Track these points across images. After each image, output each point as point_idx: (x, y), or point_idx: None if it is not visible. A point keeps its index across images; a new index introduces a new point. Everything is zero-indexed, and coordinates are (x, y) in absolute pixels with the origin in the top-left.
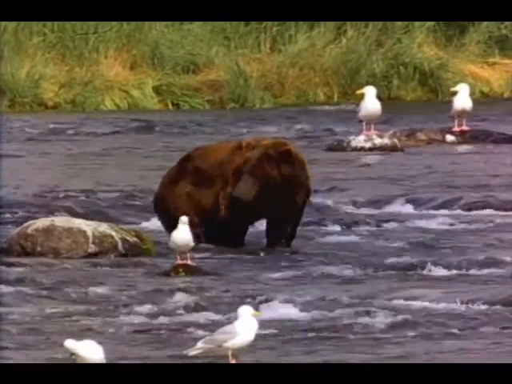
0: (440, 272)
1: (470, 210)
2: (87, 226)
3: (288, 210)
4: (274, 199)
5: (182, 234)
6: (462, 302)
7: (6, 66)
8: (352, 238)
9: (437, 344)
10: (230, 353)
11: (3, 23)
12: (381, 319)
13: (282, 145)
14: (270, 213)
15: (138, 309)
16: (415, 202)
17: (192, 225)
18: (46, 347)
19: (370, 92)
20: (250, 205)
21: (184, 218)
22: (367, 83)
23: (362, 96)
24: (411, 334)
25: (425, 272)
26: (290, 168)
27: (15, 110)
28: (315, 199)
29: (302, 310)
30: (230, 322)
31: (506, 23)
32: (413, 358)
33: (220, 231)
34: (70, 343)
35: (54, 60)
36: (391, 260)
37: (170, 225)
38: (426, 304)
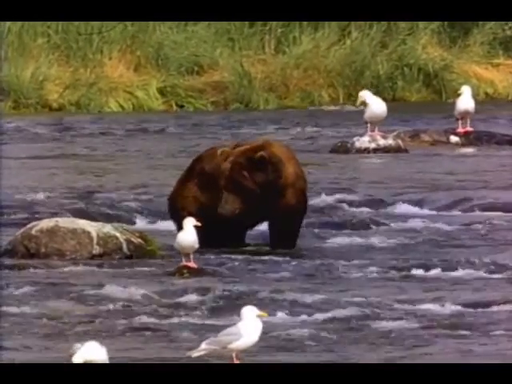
0: (445, 274)
1: (474, 211)
2: (91, 227)
3: (284, 212)
4: (259, 204)
5: (187, 235)
6: (465, 304)
7: (10, 67)
8: (356, 239)
9: (443, 345)
10: (234, 354)
11: (7, 25)
12: (385, 321)
13: (253, 151)
14: (266, 215)
15: (142, 310)
16: (419, 203)
17: (199, 227)
18: (47, 348)
19: (365, 96)
20: (239, 216)
21: (190, 219)
22: (372, 84)
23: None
24: (412, 334)
25: (430, 273)
26: (263, 173)
27: (19, 112)
28: (319, 200)
29: (306, 311)
30: (234, 323)
31: (510, 24)
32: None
33: (220, 232)
34: (78, 348)
35: (59, 61)
36: (395, 261)
37: (180, 225)
38: (431, 306)
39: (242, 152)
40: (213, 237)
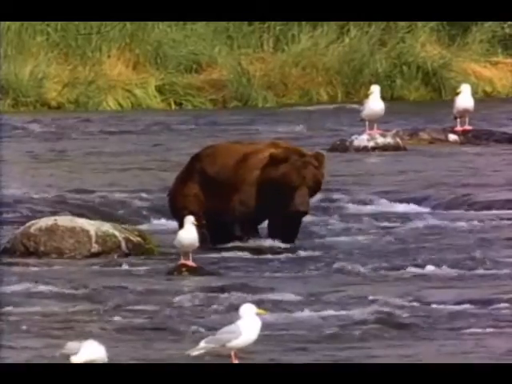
0: (444, 272)
1: (473, 209)
2: (90, 226)
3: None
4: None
5: (188, 233)
6: (466, 301)
7: (9, 65)
8: (355, 236)
9: (443, 344)
10: (232, 352)
11: (6, 23)
12: (383, 318)
13: (305, 152)
14: (273, 212)
15: (141, 308)
16: (418, 202)
17: (198, 225)
18: (47, 347)
19: (374, 91)
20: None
21: (190, 218)
22: (370, 83)
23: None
24: (413, 333)
25: (430, 271)
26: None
27: (18, 110)
28: (319, 198)
29: (306, 309)
30: (233, 321)
31: (510, 22)
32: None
33: (226, 232)
34: (71, 345)
35: (57, 59)
36: (394, 259)
37: (180, 223)
38: (431, 304)
39: (298, 152)
40: (216, 235)
